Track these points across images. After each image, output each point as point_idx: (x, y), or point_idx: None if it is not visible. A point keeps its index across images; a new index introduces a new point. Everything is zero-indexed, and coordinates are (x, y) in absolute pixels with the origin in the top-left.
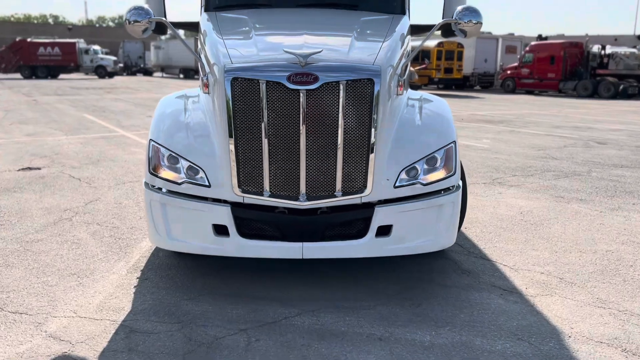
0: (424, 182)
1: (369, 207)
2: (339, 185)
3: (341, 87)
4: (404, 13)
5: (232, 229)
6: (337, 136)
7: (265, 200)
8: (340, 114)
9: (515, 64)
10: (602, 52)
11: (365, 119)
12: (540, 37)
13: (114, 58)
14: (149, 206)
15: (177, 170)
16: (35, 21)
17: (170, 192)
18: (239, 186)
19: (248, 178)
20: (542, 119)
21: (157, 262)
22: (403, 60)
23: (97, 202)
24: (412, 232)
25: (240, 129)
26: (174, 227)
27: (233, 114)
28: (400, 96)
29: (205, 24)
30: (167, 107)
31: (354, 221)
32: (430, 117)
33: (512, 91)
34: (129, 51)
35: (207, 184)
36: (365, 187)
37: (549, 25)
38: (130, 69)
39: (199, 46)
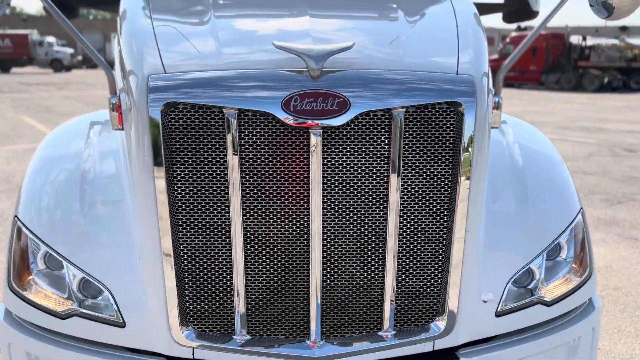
0: (548, 298)
1: (448, 356)
2: (388, 317)
3: (396, 120)
4: None
5: None
6: (387, 218)
7: (238, 351)
8: (394, 175)
9: (495, 56)
10: (583, 43)
11: (442, 181)
12: (519, 29)
13: (71, 50)
14: (7, 356)
15: (59, 286)
16: None
17: (49, 333)
18: (183, 323)
19: (201, 306)
20: (542, 118)
21: None
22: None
23: None
24: None
25: (184, 208)
26: None
27: (168, 178)
28: (495, 129)
29: (127, 4)
30: (53, 152)
31: None
32: (533, 163)
33: None
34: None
35: (117, 318)
36: (441, 316)
37: None
38: (90, 62)
39: (116, 41)
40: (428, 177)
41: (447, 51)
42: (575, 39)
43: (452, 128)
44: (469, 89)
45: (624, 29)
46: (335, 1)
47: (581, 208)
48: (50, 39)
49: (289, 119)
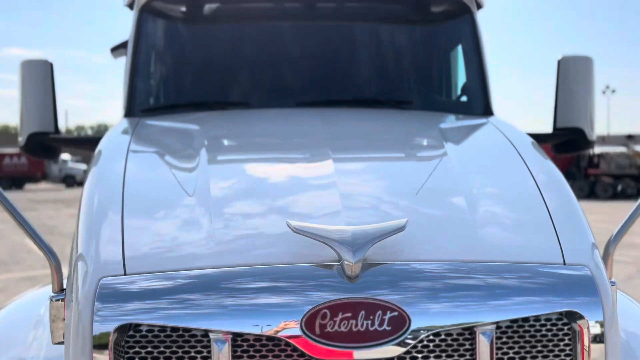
0: None
1: None
2: None
3: (483, 342)
4: (491, 113)
5: None
6: None
7: None
8: None
9: None
10: (592, 152)
11: None
12: None
13: (84, 167)
14: None
15: None
16: (13, 131)
17: None
18: None
19: None
20: None
21: None
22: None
23: None
24: None
25: None
26: None
27: None
28: None
29: (105, 145)
30: None
31: None
32: None
33: None
34: None
35: None
36: None
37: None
38: None
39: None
40: None
41: (537, 224)
42: None
43: (568, 351)
44: (589, 286)
45: (630, 137)
46: (363, 137)
47: None
48: (65, 156)
49: (313, 348)
